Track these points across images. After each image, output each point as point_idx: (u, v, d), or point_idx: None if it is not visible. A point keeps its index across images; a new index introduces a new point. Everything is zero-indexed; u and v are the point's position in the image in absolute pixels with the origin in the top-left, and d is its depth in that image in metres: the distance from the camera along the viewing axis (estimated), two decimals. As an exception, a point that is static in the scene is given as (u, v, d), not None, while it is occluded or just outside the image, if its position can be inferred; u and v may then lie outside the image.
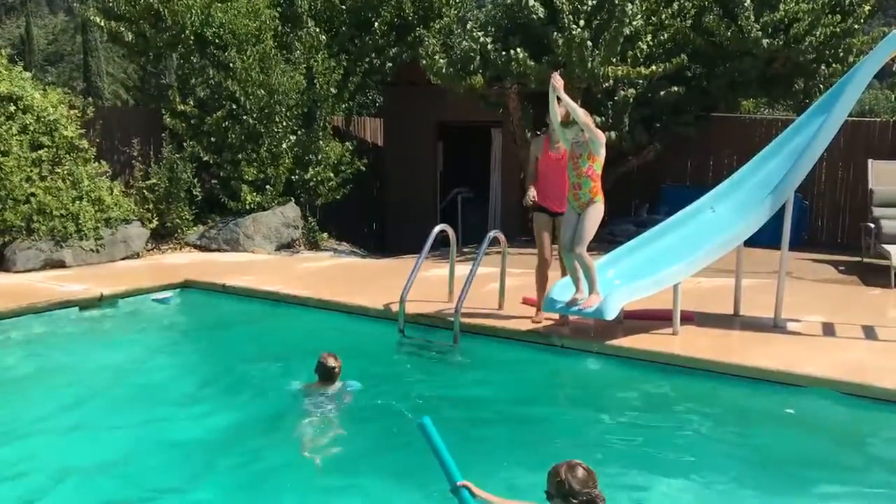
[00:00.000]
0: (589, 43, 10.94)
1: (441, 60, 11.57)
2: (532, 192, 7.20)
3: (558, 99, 6.53)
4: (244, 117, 12.14)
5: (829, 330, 7.08)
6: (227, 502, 4.39)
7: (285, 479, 4.56)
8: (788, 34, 11.88)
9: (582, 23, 11.08)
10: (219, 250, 11.87)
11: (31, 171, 10.31)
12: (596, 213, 6.61)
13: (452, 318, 7.05)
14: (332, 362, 5.56)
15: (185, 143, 12.16)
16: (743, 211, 7.23)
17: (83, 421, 5.40)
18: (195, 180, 12.21)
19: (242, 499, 4.40)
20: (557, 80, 6.48)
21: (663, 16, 12.36)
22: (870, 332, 6.96)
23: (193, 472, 4.65)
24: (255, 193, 12.25)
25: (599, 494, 3.12)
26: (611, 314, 6.46)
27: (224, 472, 4.66)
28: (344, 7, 14.01)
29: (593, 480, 3.14)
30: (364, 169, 13.74)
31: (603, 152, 6.61)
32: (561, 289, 6.86)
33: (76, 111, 11.23)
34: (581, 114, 6.42)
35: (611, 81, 11.55)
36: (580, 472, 3.12)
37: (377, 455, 4.86)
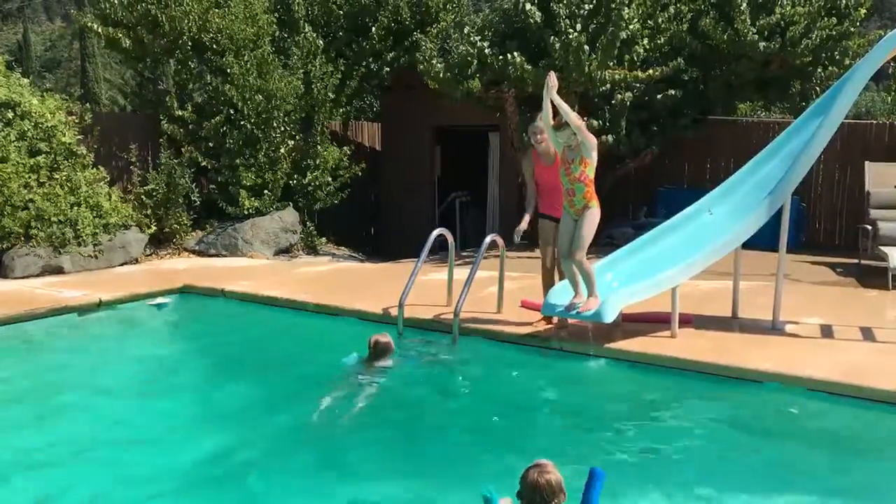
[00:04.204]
0: (586, 47, 10.98)
1: (438, 65, 11.61)
2: (523, 226, 7.20)
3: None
4: (242, 122, 12.16)
5: (827, 332, 7.08)
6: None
7: (293, 483, 4.57)
8: (784, 37, 11.92)
9: (579, 27, 11.12)
10: (217, 255, 11.87)
11: (29, 177, 10.33)
12: (592, 219, 6.57)
13: (451, 322, 7.06)
14: (376, 340, 6.27)
15: (182, 149, 12.18)
16: (740, 213, 7.23)
17: (86, 426, 5.40)
18: (193, 186, 12.22)
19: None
20: (553, 80, 6.45)
21: (660, 19, 12.40)
22: (868, 334, 6.96)
23: (198, 475, 4.64)
24: (253, 198, 12.26)
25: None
26: (609, 317, 6.47)
27: (228, 474, 4.66)
28: (341, 12, 14.05)
29: (550, 488, 3.23)
30: (362, 173, 13.75)
31: (595, 156, 6.52)
32: (559, 292, 6.87)
33: (74, 117, 11.24)
34: (573, 116, 6.38)
35: (608, 85, 11.59)
36: (531, 479, 3.26)
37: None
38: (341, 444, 5.09)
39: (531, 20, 11.39)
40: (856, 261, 10.68)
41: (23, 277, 9.73)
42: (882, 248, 9.62)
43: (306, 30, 13.26)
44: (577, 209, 6.55)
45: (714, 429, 5.38)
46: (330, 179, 13.26)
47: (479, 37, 11.69)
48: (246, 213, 12.21)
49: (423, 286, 8.15)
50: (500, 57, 11.30)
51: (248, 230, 12.09)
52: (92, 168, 11.21)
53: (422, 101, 14.00)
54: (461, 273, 7.97)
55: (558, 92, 6.54)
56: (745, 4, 11.90)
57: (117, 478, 4.59)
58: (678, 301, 6.79)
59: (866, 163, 11.54)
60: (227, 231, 12.12)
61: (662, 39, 12.39)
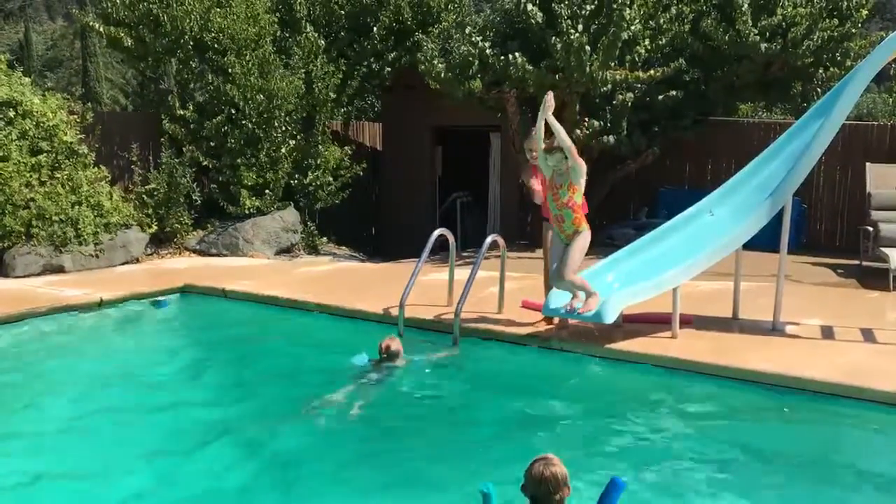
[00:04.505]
0: (587, 47, 10.98)
1: (440, 65, 11.60)
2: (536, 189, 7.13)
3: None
4: (243, 122, 12.16)
5: (827, 333, 7.09)
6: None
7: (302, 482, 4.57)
8: (786, 38, 11.92)
9: (580, 27, 11.12)
10: (218, 255, 11.88)
11: (31, 176, 10.33)
12: (582, 243, 6.51)
13: (452, 322, 7.06)
14: (387, 345, 6.29)
15: (184, 148, 12.17)
16: (741, 214, 7.24)
17: (86, 425, 5.40)
18: (194, 185, 12.23)
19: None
20: (550, 101, 6.39)
21: (661, 20, 12.40)
22: (868, 335, 6.97)
23: (199, 474, 4.65)
24: (254, 198, 12.26)
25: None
26: (610, 318, 6.47)
27: (229, 474, 4.66)
28: (343, 12, 14.05)
29: (555, 481, 3.24)
30: (363, 173, 13.75)
31: (583, 182, 6.46)
32: (560, 293, 6.86)
33: (75, 116, 11.25)
34: (566, 140, 6.29)
35: (609, 86, 11.58)
36: (536, 471, 3.26)
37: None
38: (343, 443, 5.10)
39: (533, 21, 11.38)
40: (857, 262, 10.68)
41: (24, 276, 9.74)
42: (883, 249, 9.62)
43: (308, 29, 13.26)
44: (568, 234, 6.50)
45: (714, 429, 5.38)
46: (331, 179, 13.27)
47: (481, 37, 11.69)
48: (247, 212, 12.22)
49: (424, 286, 8.16)
50: (502, 57, 11.30)
51: (249, 230, 12.10)
52: (93, 167, 11.21)
53: (423, 101, 13.99)
54: (462, 273, 7.97)
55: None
56: (746, 5, 11.90)
57: (121, 477, 4.59)
58: (679, 302, 6.79)
59: (867, 164, 11.54)
60: (228, 231, 12.12)
61: (664, 40, 12.39)
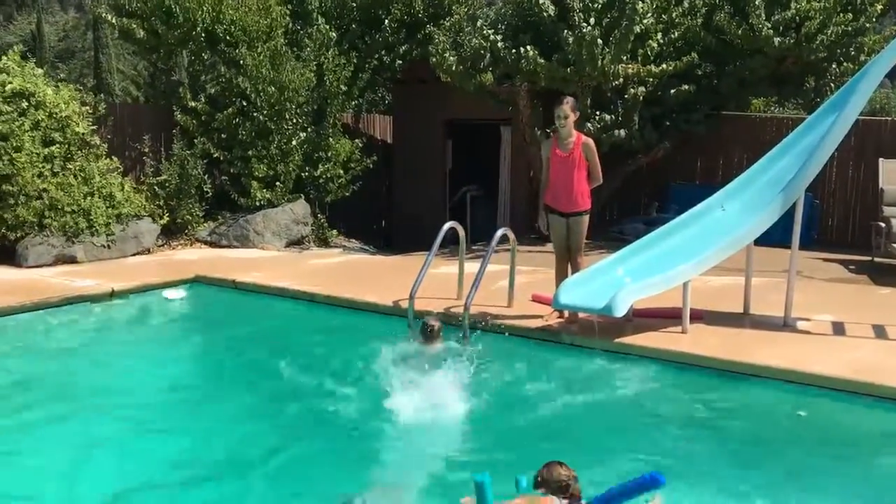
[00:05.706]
0: (599, 41, 10.95)
1: (451, 58, 11.59)
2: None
3: None
4: (254, 114, 12.18)
5: (839, 329, 7.06)
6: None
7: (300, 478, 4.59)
8: (799, 32, 11.85)
9: (592, 21, 11.09)
10: (229, 246, 11.92)
11: (44, 166, 10.38)
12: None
13: (462, 315, 7.07)
14: (433, 324, 6.44)
15: (195, 140, 12.21)
16: (753, 210, 7.21)
17: (98, 416, 5.44)
18: (205, 177, 12.27)
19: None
20: None
21: (674, 14, 12.35)
22: (880, 332, 6.94)
23: (210, 468, 4.68)
24: (265, 190, 12.29)
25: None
26: (620, 312, 6.47)
27: (242, 466, 4.69)
28: (354, 4, 14.03)
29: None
30: (373, 166, 13.76)
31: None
32: (570, 286, 6.86)
33: (88, 108, 11.30)
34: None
35: (621, 80, 11.55)
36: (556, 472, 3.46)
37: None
38: (349, 437, 5.12)
39: (545, 13, 11.36)
40: (868, 258, 10.64)
41: (36, 266, 9.80)
42: (895, 245, 9.57)
43: (319, 22, 13.26)
44: None
45: (724, 425, 5.37)
46: (341, 172, 13.28)
47: (492, 30, 11.67)
48: (258, 204, 12.25)
49: (434, 279, 8.16)
50: (513, 51, 11.28)
51: (260, 222, 12.13)
52: (105, 158, 11.27)
53: (434, 94, 13.98)
54: (472, 267, 7.98)
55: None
56: (759, -1, 11.84)
57: (134, 468, 4.61)
58: (689, 296, 6.78)
59: (880, 160, 11.47)
60: (239, 222, 12.16)
61: (676, 34, 12.34)
